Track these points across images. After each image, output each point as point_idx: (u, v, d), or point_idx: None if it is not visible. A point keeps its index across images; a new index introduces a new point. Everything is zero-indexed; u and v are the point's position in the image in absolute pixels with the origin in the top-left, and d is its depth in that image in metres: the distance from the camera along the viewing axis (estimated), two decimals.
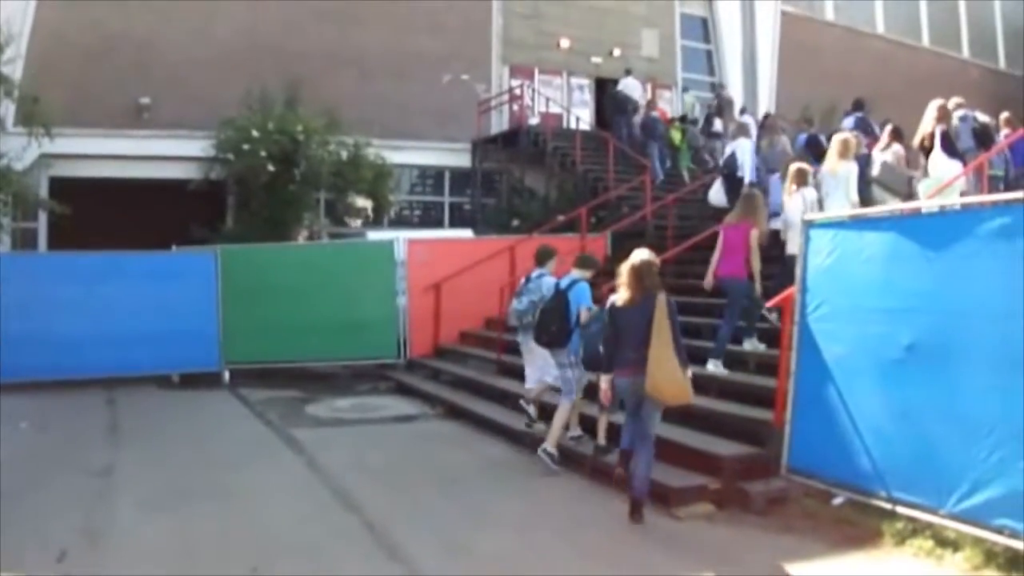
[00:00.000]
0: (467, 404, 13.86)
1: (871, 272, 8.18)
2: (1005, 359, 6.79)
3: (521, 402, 11.69)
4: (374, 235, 21.57)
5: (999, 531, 6.65)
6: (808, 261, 8.92)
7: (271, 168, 21.54)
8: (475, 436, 12.45)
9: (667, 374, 8.18)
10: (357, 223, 24.39)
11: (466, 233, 23.08)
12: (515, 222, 23.99)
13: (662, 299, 8.31)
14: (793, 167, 12.50)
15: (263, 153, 21.42)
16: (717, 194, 17.62)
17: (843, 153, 12.37)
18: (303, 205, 22.98)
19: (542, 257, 11.69)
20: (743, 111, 26.53)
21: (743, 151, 17.27)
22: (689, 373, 8.47)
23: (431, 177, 28.60)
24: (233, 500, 9.10)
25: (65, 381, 16.02)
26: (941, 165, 12.18)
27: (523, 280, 11.87)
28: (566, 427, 10.69)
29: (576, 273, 10.79)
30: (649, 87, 28.35)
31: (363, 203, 24.12)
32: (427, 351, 18.03)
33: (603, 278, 13.19)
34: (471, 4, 27.88)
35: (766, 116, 21.17)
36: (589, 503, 9.06)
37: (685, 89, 28.53)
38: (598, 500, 9.08)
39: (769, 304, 10.05)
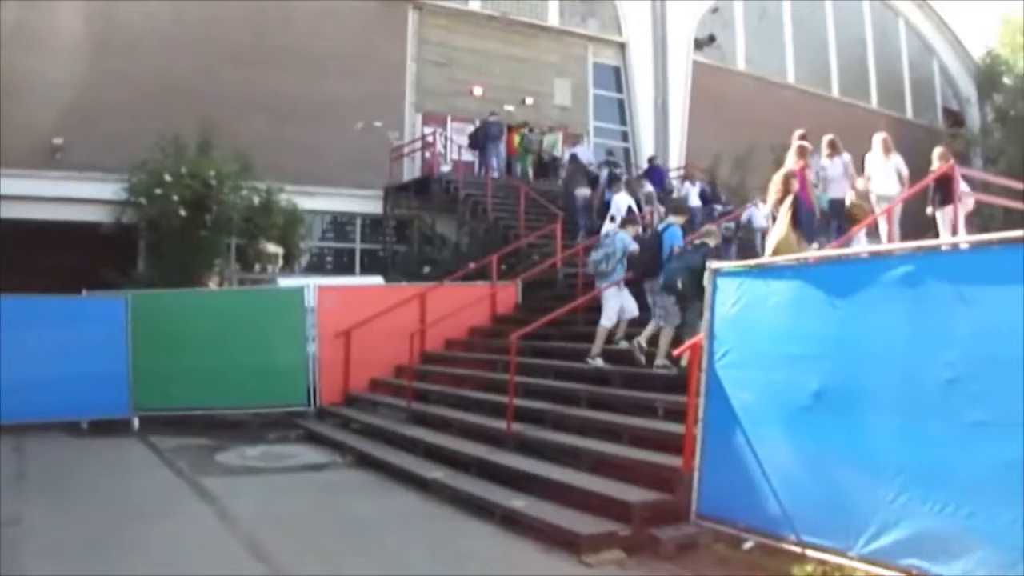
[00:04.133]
0: (377, 453, 13.80)
1: (777, 319, 8.38)
2: (909, 403, 7.04)
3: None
4: (285, 282, 21.61)
5: (907, 571, 6.80)
6: (715, 309, 9.08)
7: (183, 213, 21.45)
8: (385, 485, 12.43)
9: (776, 236, 11.89)
10: (268, 269, 24.34)
11: (377, 280, 22.95)
12: (426, 269, 24.08)
13: (790, 197, 12.20)
14: (827, 138, 15.54)
15: (175, 198, 21.33)
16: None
17: (887, 150, 15.12)
18: (214, 251, 22.93)
19: (623, 223, 15.40)
20: (577, 140, 29.52)
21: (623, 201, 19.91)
22: (813, 246, 11.99)
23: (343, 224, 28.70)
24: (142, 551, 9.00)
25: None
26: None
27: (602, 235, 15.92)
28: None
29: (671, 219, 13.89)
30: (561, 134, 29.00)
31: (274, 249, 24.12)
32: (337, 399, 17.94)
33: (513, 326, 13.81)
34: (385, 51, 28.08)
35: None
36: (501, 550, 9.13)
37: (551, 129, 29.24)
38: (508, 548, 9.17)
39: (676, 352, 10.34)
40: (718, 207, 25.56)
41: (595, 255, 14.70)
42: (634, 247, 14.28)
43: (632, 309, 14.43)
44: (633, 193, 20.68)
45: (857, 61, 40.44)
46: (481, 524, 10.10)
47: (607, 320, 14.06)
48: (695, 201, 24.12)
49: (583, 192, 23.62)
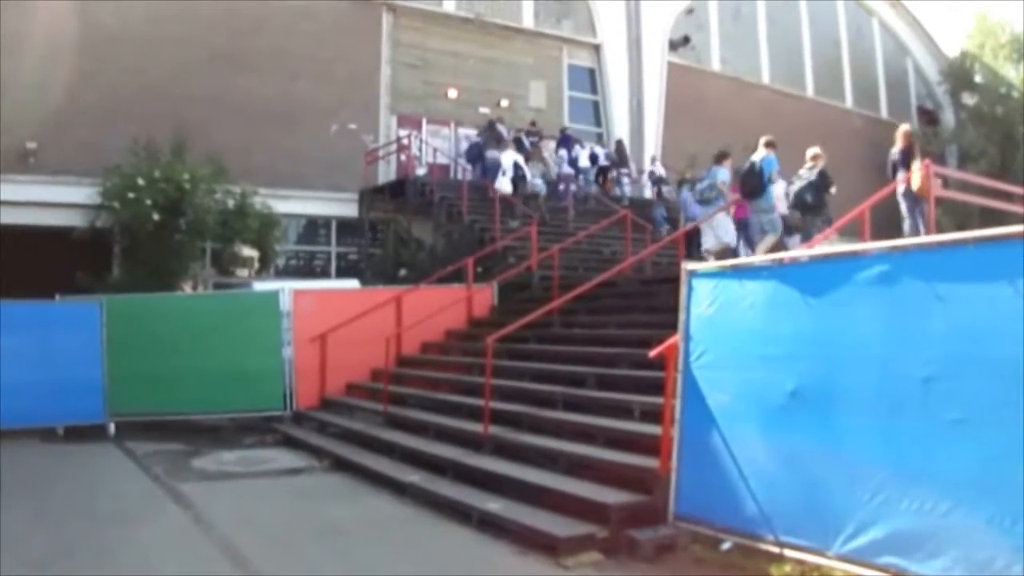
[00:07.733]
0: (354, 457, 13.70)
1: (753, 320, 8.35)
2: (885, 402, 7.04)
3: (703, 252, 16.96)
4: (260, 285, 21.54)
5: (885, 570, 6.79)
6: (691, 310, 9.05)
7: (156, 217, 21.34)
8: (362, 489, 12.34)
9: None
10: (243, 273, 24.23)
11: (352, 283, 22.87)
12: (402, 272, 24.09)
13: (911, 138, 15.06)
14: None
15: (148, 201, 21.21)
16: (503, 185, 25.07)
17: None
18: (189, 255, 22.82)
19: (719, 158, 17.97)
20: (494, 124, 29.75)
21: (509, 158, 25.72)
22: (936, 181, 13.78)
23: (318, 227, 28.67)
24: (119, 557, 8.93)
25: None
26: None
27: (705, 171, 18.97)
28: None
29: (765, 151, 15.98)
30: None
31: (249, 253, 23.99)
32: (313, 403, 17.82)
33: (489, 328, 13.80)
34: (360, 54, 28.10)
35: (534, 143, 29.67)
36: (476, 554, 9.08)
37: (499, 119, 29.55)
38: (485, 551, 9.12)
39: (652, 354, 10.30)
40: (624, 169, 30.01)
41: (700, 185, 18.41)
42: (727, 177, 17.39)
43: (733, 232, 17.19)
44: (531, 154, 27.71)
45: (832, 61, 40.63)
46: (458, 527, 10.03)
47: (729, 237, 17.05)
48: (584, 162, 29.34)
49: (494, 155, 26.20)
